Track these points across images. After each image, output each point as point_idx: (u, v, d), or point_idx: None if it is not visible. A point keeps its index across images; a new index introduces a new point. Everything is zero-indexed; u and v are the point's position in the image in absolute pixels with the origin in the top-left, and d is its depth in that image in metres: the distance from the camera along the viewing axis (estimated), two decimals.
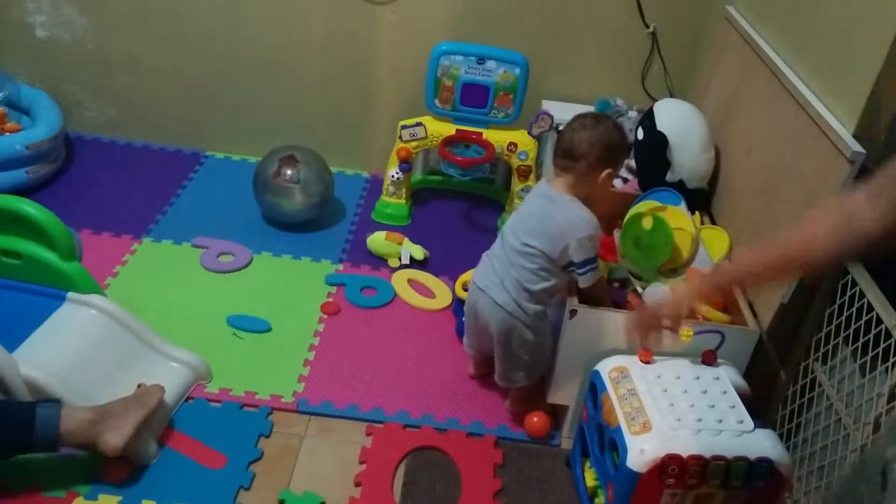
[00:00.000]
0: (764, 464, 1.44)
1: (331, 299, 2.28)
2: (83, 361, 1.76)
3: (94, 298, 1.87)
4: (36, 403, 1.57)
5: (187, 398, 1.88)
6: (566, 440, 1.90)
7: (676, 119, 2.21)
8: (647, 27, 2.65)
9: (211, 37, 2.73)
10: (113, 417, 1.61)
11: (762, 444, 1.47)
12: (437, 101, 2.55)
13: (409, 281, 2.39)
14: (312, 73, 2.79)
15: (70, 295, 1.85)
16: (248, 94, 2.85)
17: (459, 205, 2.82)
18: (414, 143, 2.61)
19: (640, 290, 1.92)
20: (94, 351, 1.80)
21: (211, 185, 2.79)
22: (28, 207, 1.80)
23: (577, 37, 2.69)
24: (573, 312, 1.74)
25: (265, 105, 2.87)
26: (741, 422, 1.50)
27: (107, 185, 2.70)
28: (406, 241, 2.49)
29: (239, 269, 2.36)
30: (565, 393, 1.86)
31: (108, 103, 2.90)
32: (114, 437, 1.59)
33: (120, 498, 1.62)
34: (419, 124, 2.58)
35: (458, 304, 2.22)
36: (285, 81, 2.81)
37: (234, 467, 1.72)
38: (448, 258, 2.49)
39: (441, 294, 2.35)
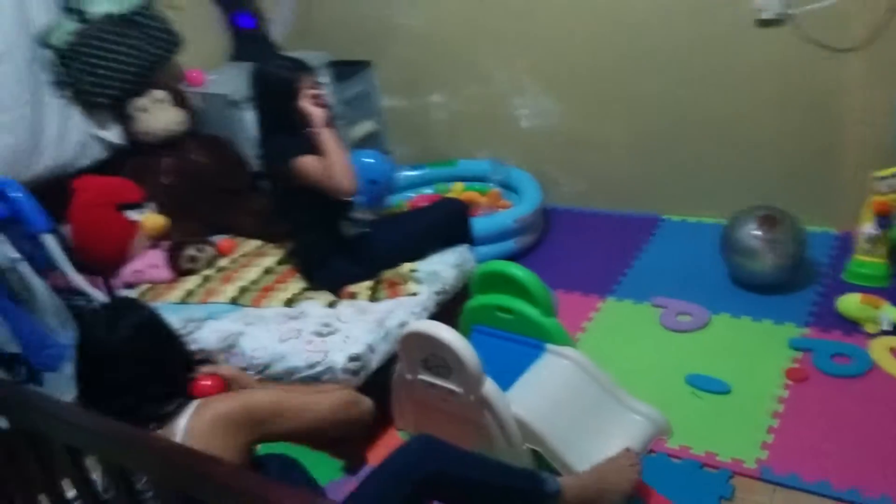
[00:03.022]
0: None
1: (796, 365, 2.16)
2: (559, 407, 1.99)
3: (568, 351, 2.10)
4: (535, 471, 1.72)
5: (649, 451, 1.97)
6: None
7: None
8: None
9: (662, 108, 2.89)
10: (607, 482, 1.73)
11: None
12: None
13: (892, 350, 2.13)
14: (765, 128, 2.74)
15: (549, 346, 2.12)
16: (699, 157, 2.92)
17: None
18: (893, 196, 2.34)
19: None
20: (568, 398, 2.02)
21: (668, 247, 2.90)
22: (517, 271, 2.14)
23: None
24: None
25: (716, 166, 2.89)
26: None
27: (576, 249, 3.01)
28: (886, 304, 2.23)
29: (697, 329, 2.40)
30: None
31: (578, 178, 3.26)
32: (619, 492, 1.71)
33: None
34: None
35: None
36: (736, 140, 2.81)
37: None
38: None
39: None
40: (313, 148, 2.18)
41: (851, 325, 2.27)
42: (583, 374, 2.07)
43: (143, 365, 1.42)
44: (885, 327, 2.20)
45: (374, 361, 2.08)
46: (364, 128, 3.42)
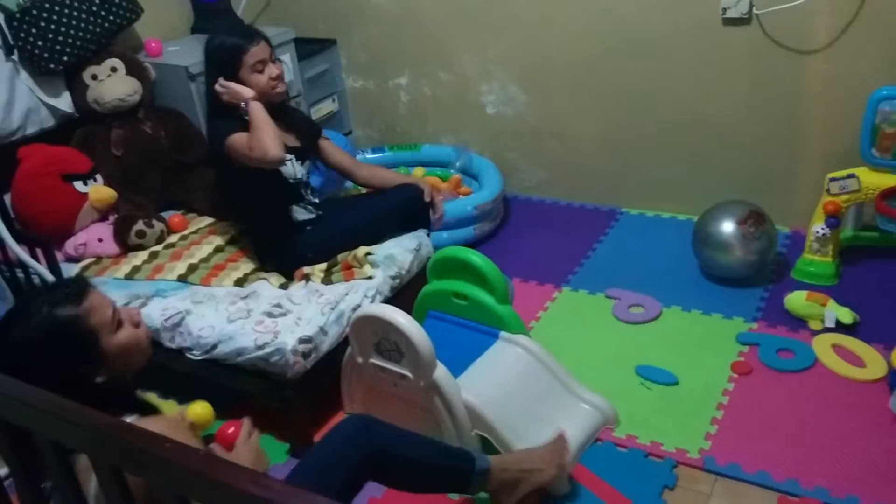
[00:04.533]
0: None
1: (742, 359, 2.21)
2: (509, 394, 2.00)
3: (521, 339, 2.11)
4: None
5: (596, 440, 1.99)
6: None
7: None
8: None
9: (629, 102, 2.91)
10: (531, 463, 1.76)
11: None
12: (874, 150, 2.31)
13: (834, 346, 2.18)
14: (730, 128, 2.77)
15: (503, 334, 2.12)
16: (661, 152, 2.94)
17: None
18: (844, 197, 2.39)
19: None
20: (519, 386, 2.03)
21: (625, 240, 2.93)
22: (475, 257, 2.13)
23: None
24: None
25: (678, 162, 2.92)
26: None
27: (535, 239, 3.02)
28: (831, 302, 2.28)
29: (649, 322, 2.43)
30: None
31: (541, 167, 3.27)
32: (542, 475, 1.74)
33: None
34: (851, 176, 2.37)
35: (894, 376, 1.96)
36: (700, 138, 2.84)
37: None
38: (883, 324, 2.22)
39: (873, 363, 2.09)
40: (248, 125, 2.15)
41: (797, 322, 2.32)
42: (535, 363, 2.08)
43: (38, 364, 1.28)
44: (829, 324, 2.25)
45: (326, 344, 2.06)
46: (326, 108, 3.37)
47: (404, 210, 2.40)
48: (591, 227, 3.05)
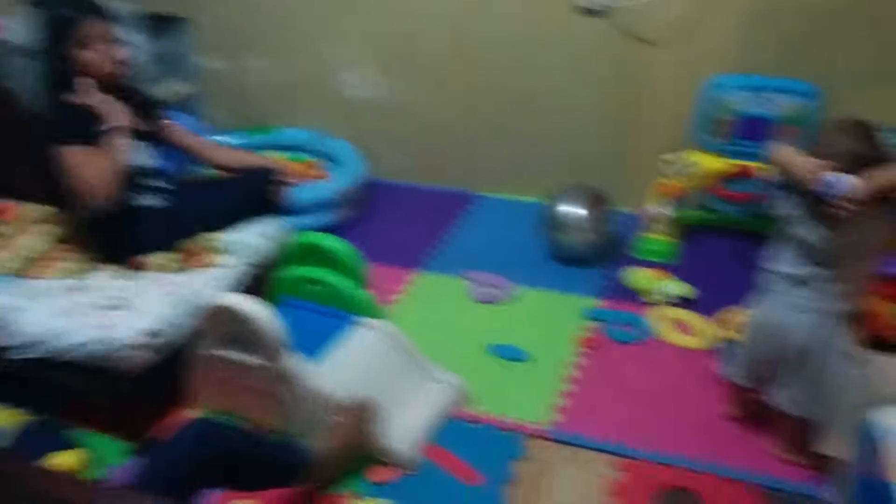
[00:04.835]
0: None
1: (588, 333, 2.32)
2: (364, 378, 2.00)
3: (377, 323, 2.12)
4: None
5: (448, 417, 2.03)
6: (839, 496, 1.70)
7: None
8: None
9: (487, 87, 2.97)
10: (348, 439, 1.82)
11: None
12: (708, 135, 2.49)
13: (670, 318, 2.34)
14: (579, 114, 2.89)
15: (358, 319, 2.12)
16: (517, 138, 3.03)
17: (729, 242, 2.69)
18: (682, 179, 2.56)
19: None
20: (374, 368, 2.04)
21: (481, 223, 3.00)
22: (330, 242, 2.12)
23: (883, 60, 2.43)
24: (853, 356, 1.58)
25: (533, 148, 3.03)
26: None
27: (394, 223, 3.04)
28: (669, 277, 2.44)
29: (502, 301, 2.50)
30: (839, 443, 1.68)
31: (401, 152, 3.28)
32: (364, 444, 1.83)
33: (389, 502, 1.80)
34: (688, 159, 2.53)
35: (723, 343, 2.12)
36: (549, 124, 2.95)
37: (488, 486, 1.82)
38: (712, 297, 2.39)
39: (703, 333, 2.26)
40: (90, 130, 2.02)
41: (638, 297, 2.46)
42: (390, 346, 2.09)
43: None
44: (667, 298, 2.41)
45: (174, 336, 1.97)
46: (176, 88, 3.22)
47: (259, 193, 2.33)
48: (448, 211, 3.10)
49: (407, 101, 3.14)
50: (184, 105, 3.24)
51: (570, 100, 2.88)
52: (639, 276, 2.48)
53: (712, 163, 2.50)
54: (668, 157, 2.57)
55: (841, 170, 1.56)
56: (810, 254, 1.66)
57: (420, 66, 3.04)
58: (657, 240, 2.66)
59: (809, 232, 1.64)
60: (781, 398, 1.77)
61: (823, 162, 1.59)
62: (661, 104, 2.76)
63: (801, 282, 1.68)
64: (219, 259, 2.16)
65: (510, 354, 2.24)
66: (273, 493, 1.72)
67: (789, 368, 1.73)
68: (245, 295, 1.87)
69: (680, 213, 2.76)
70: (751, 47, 2.54)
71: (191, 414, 1.97)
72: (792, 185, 1.66)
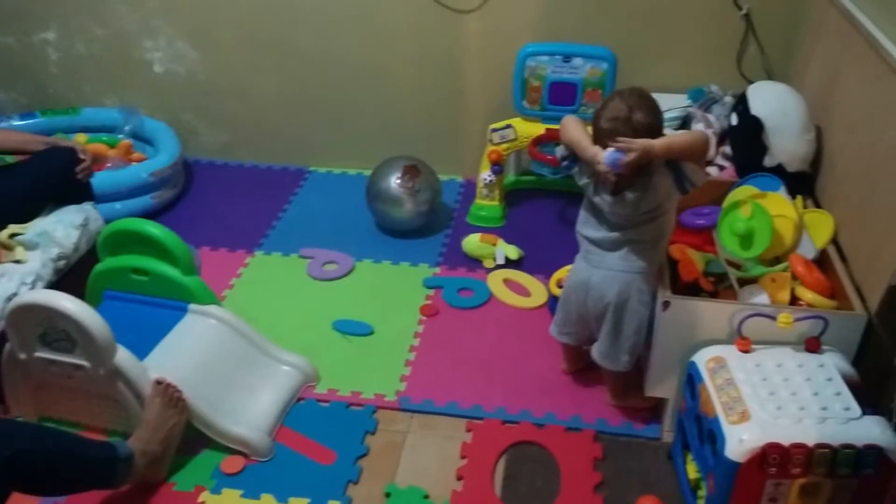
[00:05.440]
0: (872, 451, 1.39)
1: (429, 301, 2.36)
2: (204, 367, 1.91)
3: (212, 309, 2.02)
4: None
5: (298, 399, 2.00)
6: (667, 433, 1.88)
7: (772, 102, 2.14)
8: (741, 9, 2.58)
9: (308, 59, 2.89)
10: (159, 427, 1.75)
11: (871, 430, 1.41)
12: (525, 102, 2.59)
13: (505, 281, 2.44)
14: (404, 85, 2.90)
15: (191, 307, 2.01)
16: (344, 111, 2.99)
17: (552, 203, 2.84)
18: (504, 145, 2.65)
19: (736, 285, 1.86)
20: (214, 357, 1.95)
21: (315, 199, 2.94)
22: (152, 229, 1.97)
23: (667, 26, 2.65)
24: (666, 304, 1.73)
25: (361, 120, 3.00)
26: (847, 409, 1.45)
27: (221, 204, 2.90)
28: (500, 241, 2.54)
29: (342, 277, 2.48)
30: (664, 386, 1.85)
31: (220, 129, 3.12)
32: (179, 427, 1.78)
33: (241, 492, 1.74)
34: (509, 126, 2.63)
35: (553, 301, 2.24)
36: (378, 96, 2.93)
37: (342, 463, 1.82)
38: (542, 256, 2.51)
39: (536, 292, 2.38)
40: None
41: (474, 262, 2.54)
42: (228, 331, 2.01)
43: None
44: (500, 261, 2.51)
45: None
46: None
47: (59, 178, 2.12)
48: (279, 188, 3.00)
49: (222, 74, 2.98)
50: None
51: (393, 72, 2.87)
52: (472, 242, 2.55)
53: (529, 128, 2.61)
54: (494, 124, 2.65)
55: (615, 135, 1.64)
56: (604, 218, 1.77)
57: (232, 36, 2.89)
58: (488, 205, 2.75)
59: (600, 199, 1.75)
60: (594, 352, 1.90)
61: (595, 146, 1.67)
62: (479, 72, 2.82)
63: (600, 243, 1.79)
64: (21, 255, 1.95)
65: (355, 329, 2.23)
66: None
67: (597, 325, 1.86)
68: (56, 291, 1.72)
69: (506, 178, 2.87)
70: (555, 15, 2.66)
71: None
72: (578, 157, 1.75)
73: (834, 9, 2.16)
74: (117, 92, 3.07)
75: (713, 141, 2.32)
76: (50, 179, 2.11)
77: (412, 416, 1.96)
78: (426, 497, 1.73)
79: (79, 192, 2.18)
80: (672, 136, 1.69)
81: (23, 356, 1.78)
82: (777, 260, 1.94)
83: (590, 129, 1.74)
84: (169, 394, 1.76)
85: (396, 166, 2.60)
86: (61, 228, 2.06)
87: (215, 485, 1.76)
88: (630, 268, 1.77)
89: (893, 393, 1.65)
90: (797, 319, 1.64)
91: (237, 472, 1.79)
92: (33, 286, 1.93)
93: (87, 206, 2.21)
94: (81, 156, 2.17)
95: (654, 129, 1.67)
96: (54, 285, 1.99)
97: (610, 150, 1.64)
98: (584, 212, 1.83)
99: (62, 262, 2.05)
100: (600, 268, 1.80)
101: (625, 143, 1.62)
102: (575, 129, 1.74)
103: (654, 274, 1.80)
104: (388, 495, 1.74)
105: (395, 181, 2.57)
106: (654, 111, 1.69)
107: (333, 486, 1.76)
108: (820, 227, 1.97)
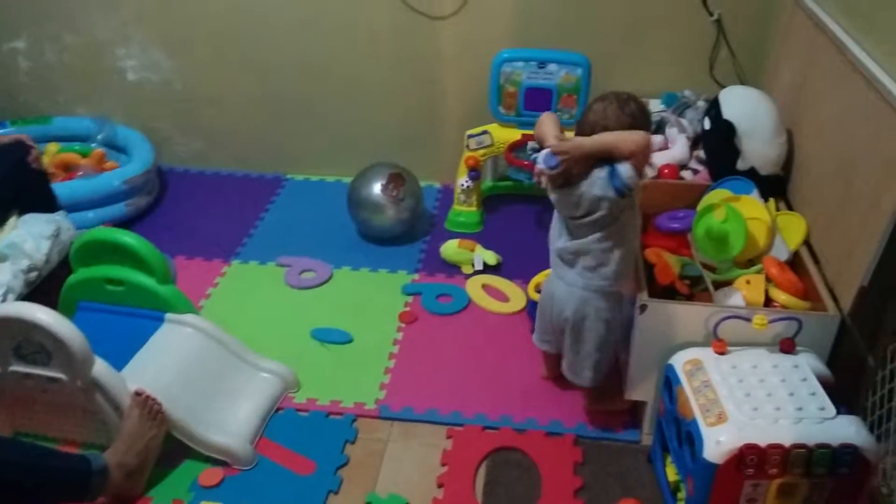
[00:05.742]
0: (848, 450, 1.41)
1: (408, 308, 2.36)
2: (183, 377, 1.89)
3: (189, 318, 2.00)
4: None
5: (277, 409, 1.98)
6: (647, 436, 1.89)
7: (743, 106, 2.17)
8: (712, 15, 2.61)
9: (284, 68, 2.88)
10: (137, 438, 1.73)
11: (846, 430, 1.44)
12: (501, 107, 2.60)
13: (484, 286, 2.44)
14: (381, 92, 2.89)
15: (168, 316, 1.99)
16: (321, 118, 2.97)
17: (530, 209, 2.85)
18: (481, 151, 2.66)
19: (711, 288, 1.88)
20: (192, 366, 1.93)
21: (292, 207, 2.92)
22: (127, 238, 1.96)
23: (640, 32, 2.68)
24: (643, 308, 1.74)
25: (338, 127, 2.99)
26: (822, 409, 1.47)
27: (197, 213, 2.87)
28: (479, 247, 2.54)
29: (320, 285, 2.47)
30: (642, 389, 1.86)
31: (195, 137, 3.09)
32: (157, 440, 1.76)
33: None
34: (485, 132, 2.64)
35: (531, 306, 2.25)
36: (355, 103, 2.92)
37: (322, 473, 1.81)
38: (520, 262, 2.52)
39: (515, 297, 2.38)
40: None
41: (452, 268, 2.54)
42: (207, 341, 1.99)
43: None
44: (478, 267, 2.51)
45: None
46: None
47: (17, 173, 2.08)
48: (256, 196, 2.98)
49: (197, 82, 2.96)
50: None
51: (369, 79, 2.86)
52: (451, 248, 2.55)
53: (505, 134, 2.62)
54: (471, 130, 2.66)
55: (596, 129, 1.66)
56: (565, 224, 1.77)
57: (207, 45, 2.87)
58: (466, 211, 2.75)
59: (553, 197, 1.74)
60: (562, 364, 1.92)
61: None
62: (455, 79, 2.83)
63: (562, 254, 1.79)
64: None
65: (334, 338, 2.22)
66: None
67: (562, 337, 1.87)
68: (29, 303, 1.70)
69: (484, 184, 2.87)
70: (530, 21, 2.67)
71: None
72: None
73: (802, 13, 2.19)
74: (89, 100, 3.03)
75: (655, 143, 2.35)
76: (8, 176, 2.08)
77: (392, 424, 1.96)
78: None
79: (39, 184, 2.14)
80: (605, 134, 1.67)
81: None
82: (751, 262, 1.96)
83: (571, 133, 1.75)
84: (148, 406, 1.74)
85: (380, 174, 2.59)
86: (31, 240, 2.03)
87: (193, 497, 1.74)
88: (587, 286, 1.76)
89: (867, 392, 1.68)
90: (771, 321, 1.66)
91: (215, 485, 1.77)
92: (4, 298, 1.90)
93: (58, 216, 2.18)
94: (28, 143, 2.15)
95: (636, 126, 1.67)
96: (26, 298, 1.96)
97: (545, 150, 1.67)
98: (554, 219, 1.84)
99: (33, 274, 2.02)
100: (563, 281, 1.81)
101: (556, 145, 1.64)
102: (546, 125, 1.74)
103: (621, 287, 1.79)
104: None
105: (378, 189, 2.56)
106: (641, 110, 1.71)
107: (314, 497, 1.75)
108: (792, 230, 2.00)
